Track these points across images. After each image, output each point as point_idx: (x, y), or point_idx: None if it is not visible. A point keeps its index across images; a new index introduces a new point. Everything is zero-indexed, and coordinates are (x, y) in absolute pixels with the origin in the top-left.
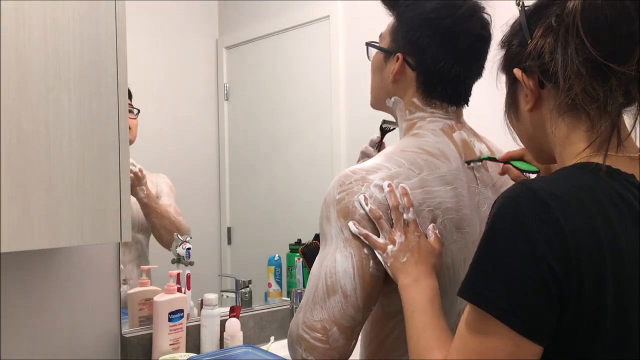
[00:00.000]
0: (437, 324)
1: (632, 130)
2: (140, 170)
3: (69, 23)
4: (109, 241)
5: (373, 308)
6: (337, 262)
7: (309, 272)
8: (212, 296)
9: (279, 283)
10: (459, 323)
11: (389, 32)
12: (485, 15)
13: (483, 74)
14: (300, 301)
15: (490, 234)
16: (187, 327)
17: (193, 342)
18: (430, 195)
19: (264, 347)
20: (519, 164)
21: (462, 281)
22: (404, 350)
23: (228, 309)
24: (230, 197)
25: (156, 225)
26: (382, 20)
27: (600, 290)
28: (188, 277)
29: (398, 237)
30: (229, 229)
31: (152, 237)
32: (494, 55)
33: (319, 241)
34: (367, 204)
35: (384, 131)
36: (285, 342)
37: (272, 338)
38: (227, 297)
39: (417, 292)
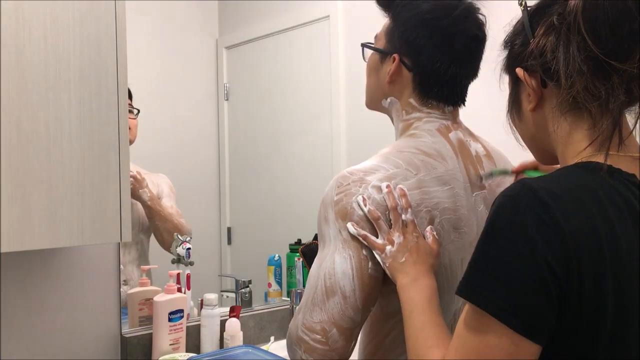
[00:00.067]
0: (436, 323)
1: (633, 129)
2: (138, 173)
3: (69, 23)
4: (109, 241)
5: (372, 309)
6: (336, 263)
7: (309, 272)
8: (212, 296)
9: (279, 283)
10: (458, 322)
11: (385, 32)
12: (480, 16)
13: (479, 75)
14: (300, 301)
15: (489, 233)
16: (187, 327)
17: (193, 342)
18: (427, 195)
19: (264, 347)
20: (532, 173)
21: (460, 280)
22: (401, 351)
23: (228, 309)
24: (230, 197)
25: (159, 228)
26: (381, 20)
27: (600, 290)
28: (188, 277)
29: (396, 237)
30: (229, 229)
31: (152, 238)
32: (497, 55)
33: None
34: (365, 205)
35: None
36: (285, 342)
37: (272, 338)
38: (227, 297)
39: (415, 292)
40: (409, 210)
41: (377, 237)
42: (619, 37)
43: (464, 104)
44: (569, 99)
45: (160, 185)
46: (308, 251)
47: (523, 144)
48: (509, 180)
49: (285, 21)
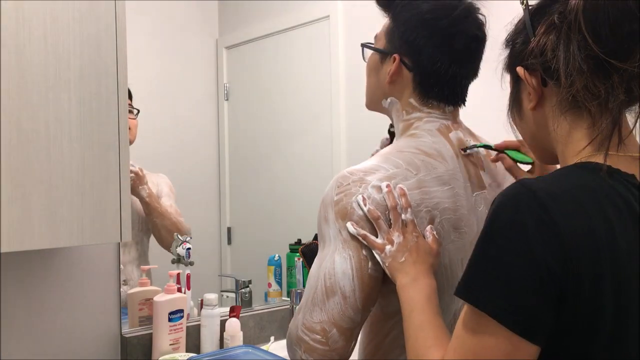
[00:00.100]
0: (435, 323)
1: (633, 129)
2: (141, 170)
3: (69, 23)
4: (109, 241)
5: (372, 309)
6: (336, 263)
7: (309, 272)
8: (212, 296)
9: (279, 283)
10: (457, 322)
11: (385, 32)
12: (480, 16)
13: (479, 74)
14: (300, 301)
15: (488, 233)
16: (187, 327)
17: (193, 342)
18: (427, 195)
19: (264, 347)
20: (513, 153)
21: (459, 280)
22: (401, 351)
23: (228, 309)
24: (230, 197)
25: (157, 225)
26: (381, 20)
27: (599, 290)
28: (188, 277)
29: (396, 237)
30: (229, 229)
31: (152, 238)
32: (498, 55)
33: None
34: (365, 205)
35: (392, 134)
36: (285, 342)
37: (272, 338)
38: (227, 297)
39: (415, 292)
40: (409, 209)
41: (377, 237)
42: (619, 37)
43: (464, 104)
44: (568, 97)
45: (159, 185)
46: (308, 251)
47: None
48: (509, 180)
49: (285, 21)
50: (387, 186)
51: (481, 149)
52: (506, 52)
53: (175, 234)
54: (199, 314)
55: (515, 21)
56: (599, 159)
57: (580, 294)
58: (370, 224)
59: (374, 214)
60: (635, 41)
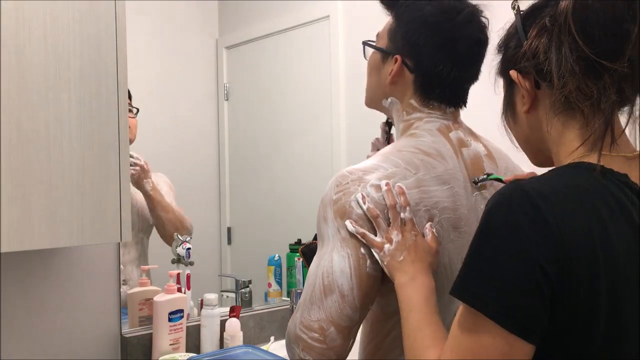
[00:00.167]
0: (433, 323)
1: (625, 128)
2: (146, 163)
3: (69, 23)
4: (109, 241)
5: (370, 308)
6: (334, 262)
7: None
8: (212, 296)
9: (279, 283)
10: (453, 322)
11: (387, 32)
12: (483, 19)
13: (480, 77)
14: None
15: (483, 233)
16: (187, 327)
17: (193, 342)
18: (426, 194)
19: (264, 347)
20: None
21: (455, 279)
22: (401, 350)
23: (228, 309)
24: (230, 197)
25: (162, 219)
26: (382, 20)
27: (594, 290)
28: (188, 277)
29: (395, 235)
30: (229, 229)
31: (152, 237)
32: (491, 59)
33: None
34: (364, 203)
35: (390, 124)
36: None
37: (272, 338)
38: (227, 297)
39: (413, 291)
40: (408, 208)
41: (376, 236)
42: (609, 37)
43: (465, 105)
44: (561, 99)
45: (159, 184)
46: (308, 251)
47: (518, 145)
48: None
49: (285, 21)
50: (386, 185)
51: (480, 150)
52: (499, 57)
53: (176, 234)
54: (199, 314)
55: (507, 26)
56: (592, 158)
57: (575, 294)
58: (369, 222)
59: (373, 212)
60: (624, 41)
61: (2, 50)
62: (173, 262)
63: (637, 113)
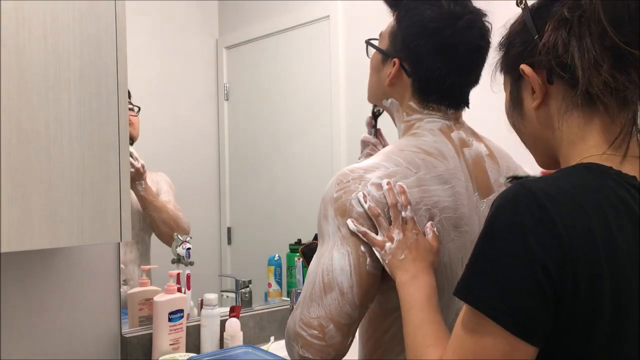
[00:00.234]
0: (434, 321)
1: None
2: (142, 167)
3: (69, 23)
4: (109, 241)
5: (370, 306)
6: (334, 259)
7: None
8: (212, 296)
9: (279, 283)
10: (456, 322)
11: (389, 33)
12: (486, 24)
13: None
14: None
15: (487, 234)
16: (187, 327)
17: (193, 342)
18: (427, 194)
19: (264, 347)
20: None
21: (458, 280)
22: (401, 348)
23: (228, 309)
24: (230, 197)
25: (155, 219)
26: (382, 20)
27: (597, 291)
28: (188, 277)
29: (396, 234)
30: (229, 229)
31: (153, 237)
32: (492, 58)
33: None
34: (366, 202)
35: (375, 115)
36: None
37: (272, 338)
38: (227, 297)
39: (414, 290)
40: (409, 207)
41: (377, 234)
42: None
43: (467, 107)
44: (582, 93)
45: (159, 183)
46: (308, 251)
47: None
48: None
49: (285, 21)
50: (388, 184)
51: (482, 150)
52: (500, 55)
53: (176, 234)
54: (199, 314)
55: (509, 24)
56: (604, 159)
57: (577, 295)
58: (370, 221)
59: (374, 211)
60: None
61: (2, 50)
62: (173, 262)
63: None
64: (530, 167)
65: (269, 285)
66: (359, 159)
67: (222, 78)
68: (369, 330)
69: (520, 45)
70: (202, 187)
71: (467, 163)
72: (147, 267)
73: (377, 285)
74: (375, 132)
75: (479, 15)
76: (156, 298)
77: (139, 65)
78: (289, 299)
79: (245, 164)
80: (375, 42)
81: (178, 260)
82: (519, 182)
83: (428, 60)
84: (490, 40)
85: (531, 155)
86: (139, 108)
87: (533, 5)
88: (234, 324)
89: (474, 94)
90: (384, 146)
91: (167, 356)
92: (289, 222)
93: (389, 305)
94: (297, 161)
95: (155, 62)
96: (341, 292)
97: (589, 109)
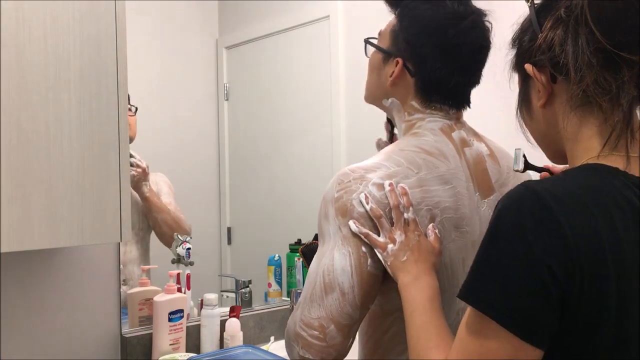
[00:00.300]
0: (437, 323)
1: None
2: (147, 167)
3: (69, 23)
4: (109, 241)
5: (371, 306)
6: (335, 259)
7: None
8: (212, 296)
9: (279, 283)
10: (460, 324)
11: (390, 32)
12: (487, 24)
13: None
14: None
15: (491, 236)
16: (187, 327)
17: (193, 342)
18: (428, 194)
19: (264, 347)
20: None
21: (462, 282)
22: (401, 348)
23: (228, 309)
24: (230, 197)
25: (158, 220)
26: (382, 20)
27: (602, 291)
28: (188, 277)
29: (398, 236)
30: (229, 229)
31: (153, 237)
32: (505, 55)
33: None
34: (367, 203)
35: (392, 124)
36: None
37: (272, 338)
38: (227, 297)
39: (417, 291)
40: (411, 208)
41: (379, 235)
42: (628, 28)
43: (469, 106)
44: (578, 93)
45: (159, 184)
46: (308, 251)
47: (534, 142)
48: (512, 182)
49: (285, 21)
50: (390, 185)
51: (483, 150)
52: (513, 52)
53: (176, 234)
54: (199, 314)
55: (521, 20)
56: (609, 159)
57: (584, 295)
58: (371, 221)
59: (376, 212)
60: None
61: (2, 50)
62: (173, 262)
63: None
64: None
65: (269, 285)
66: None
67: (222, 78)
68: (369, 331)
69: (527, 43)
70: (202, 187)
71: (468, 163)
72: (147, 267)
73: (378, 286)
74: (392, 136)
75: (481, 15)
76: (156, 298)
77: (139, 65)
78: (289, 299)
79: (245, 164)
80: (374, 42)
81: (178, 260)
82: (523, 184)
83: (432, 60)
84: (491, 40)
85: (531, 156)
86: (136, 108)
87: (539, 2)
88: (234, 324)
89: (474, 94)
90: None
91: (167, 356)
92: (289, 222)
93: (389, 306)
94: (297, 161)
95: (155, 62)
96: (342, 292)
97: (586, 109)
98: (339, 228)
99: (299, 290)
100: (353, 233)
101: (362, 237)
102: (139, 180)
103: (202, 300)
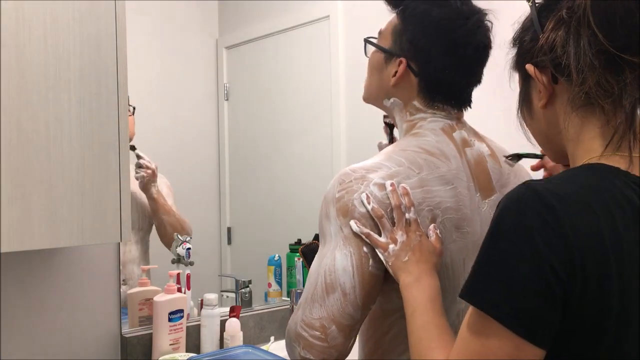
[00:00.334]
0: (439, 324)
1: None
2: (156, 168)
3: (69, 23)
4: (109, 241)
5: (372, 307)
6: (337, 260)
7: (309, 272)
8: (212, 296)
9: (279, 283)
10: (462, 324)
11: (391, 32)
12: (488, 23)
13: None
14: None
15: (493, 236)
16: (187, 327)
17: (193, 342)
18: (429, 194)
19: (264, 347)
20: None
21: (464, 282)
22: (402, 349)
23: (228, 309)
24: (230, 197)
25: (164, 222)
26: (382, 20)
27: (604, 291)
28: (188, 277)
29: (400, 236)
30: (229, 229)
31: (153, 237)
32: (506, 54)
33: (319, 241)
34: (369, 203)
35: (391, 126)
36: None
37: (272, 338)
38: (227, 297)
39: (418, 292)
40: (412, 209)
41: (379, 236)
42: (630, 30)
43: (470, 107)
44: (580, 95)
45: (159, 185)
46: (308, 251)
47: (534, 142)
48: (513, 182)
49: (285, 21)
50: (391, 185)
51: (484, 150)
52: (514, 51)
53: (176, 234)
54: (199, 314)
55: (522, 20)
56: (611, 160)
57: (586, 295)
58: (372, 221)
59: (377, 212)
60: None
61: (2, 50)
62: (173, 262)
63: None
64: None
65: (269, 285)
66: None
67: (222, 78)
68: (370, 331)
69: (528, 43)
70: (202, 187)
71: (469, 163)
72: (147, 267)
73: (380, 286)
74: (391, 139)
75: (483, 14)
76: (156, 298)
77: (139, 65)
78: (289, 299)
79: (245, 164)
80: (374, 41)
81: (178, 260)
82: (524, 183)
83: (437, 60)
84: (491, 39)
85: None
86: (134, 108)
87: (540, 2)
88: (234, 324)
89: (474, 94)
90: None
91: (167, 356)
92: (289, 222)
93: (389, 306)
94: (297, 161)
95: (155, 62)
96: (343, 292)
97: (588, 110)
98: (340, 228)
99: (299, 291)
100: (354, 233)
101: (364, 237)
102: (149, 182)
103: (202, 300)
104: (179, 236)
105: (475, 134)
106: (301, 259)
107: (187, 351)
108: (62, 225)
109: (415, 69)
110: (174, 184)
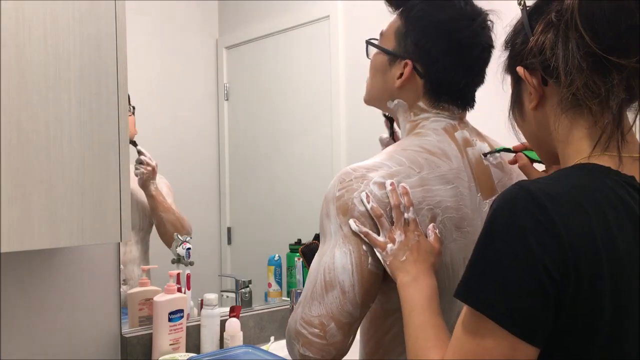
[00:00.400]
0: (435, 323)
1: (632, 126)
2: (156, 165)
3: (69, 23)
4: (109, 241)
5: (371, 305)
6: (336, 258)
7: (308, 272)
8: (212, 296)
9: (279, 283)
10: (457, 324)
11: (395, 34)
12: (489, 23)
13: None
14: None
15: (487, 236)
16: (187, 327)
17: (193, 342)
18: (429, 194)
19: (264, 347)
20: (531, 153)
21: (458, 282)
22: (402, 349)
23: (228, 309)
24: (230, 197)
25: (163, 219)
26: (382, 20)
27: (597, 291)
28: (188, 277)
29: (398, 235)
30: (229, 229)
31: (153, 237)
32: (498, 56)
33: (319, 241)
34: (368, 202)
35: (391, 120)
36: (285, 342)
37: (272, 338)
38: (227, 297)
39: (415, 291)
40: (411, 208)
41: (378, 234)
42: (617, 33)
43: (472, 107)
44: (569, 96)
45: (159, 185)
46: (308, 251)
47: (526, 143)
48: (513, 179)
49: (285, 21)
50: (391, 184)
51: (485, 150)
52: (506, 54)
53: (176, 234)
54: (199, 314)
55: (514, 22)
56: (601, 159)
57: (579, 294)
58: (372, 220)
59: (376, 211)
60: (633, 37)
61: (2, 50)
62: (173, 262)
63: None
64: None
65: (269, 285)
66: None
67: (222, 78)
68: (370, 330)
69: (520, 45)
70: (202, 187)
71: (470, 163)
72: (147, 267)
73: (379, 285)
74: (392, 132)
75: (487, 15)
76: (156, 298)
77: (139, 65)
78: (289, 299)
79: (245, 164)
80: (376, 42)
81: (178, 260)
82: (517, 183)
83: (443, 61)
84: (493, 39)
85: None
86: (134, 107)
87: (531, 5)
88: (234, 324)
89: (477, 95)
90: None
91: (167, 356)
92: (289, 222)
93: (390, 305)
94: (297, 161)
95: (155, 62)
96: (342, 290)
97: (576, 112)
98: (339, 227)
99: (299, 290)
100: (353, 231)
101: (362, 236)
102: (148, 179)
103: (202, 300)
104: (179, 236)
105: (478, 134)
106: (301, 259)
107: (187, 351)
108: (62, 225)
109: (420, 71)
110: (173, 184)
